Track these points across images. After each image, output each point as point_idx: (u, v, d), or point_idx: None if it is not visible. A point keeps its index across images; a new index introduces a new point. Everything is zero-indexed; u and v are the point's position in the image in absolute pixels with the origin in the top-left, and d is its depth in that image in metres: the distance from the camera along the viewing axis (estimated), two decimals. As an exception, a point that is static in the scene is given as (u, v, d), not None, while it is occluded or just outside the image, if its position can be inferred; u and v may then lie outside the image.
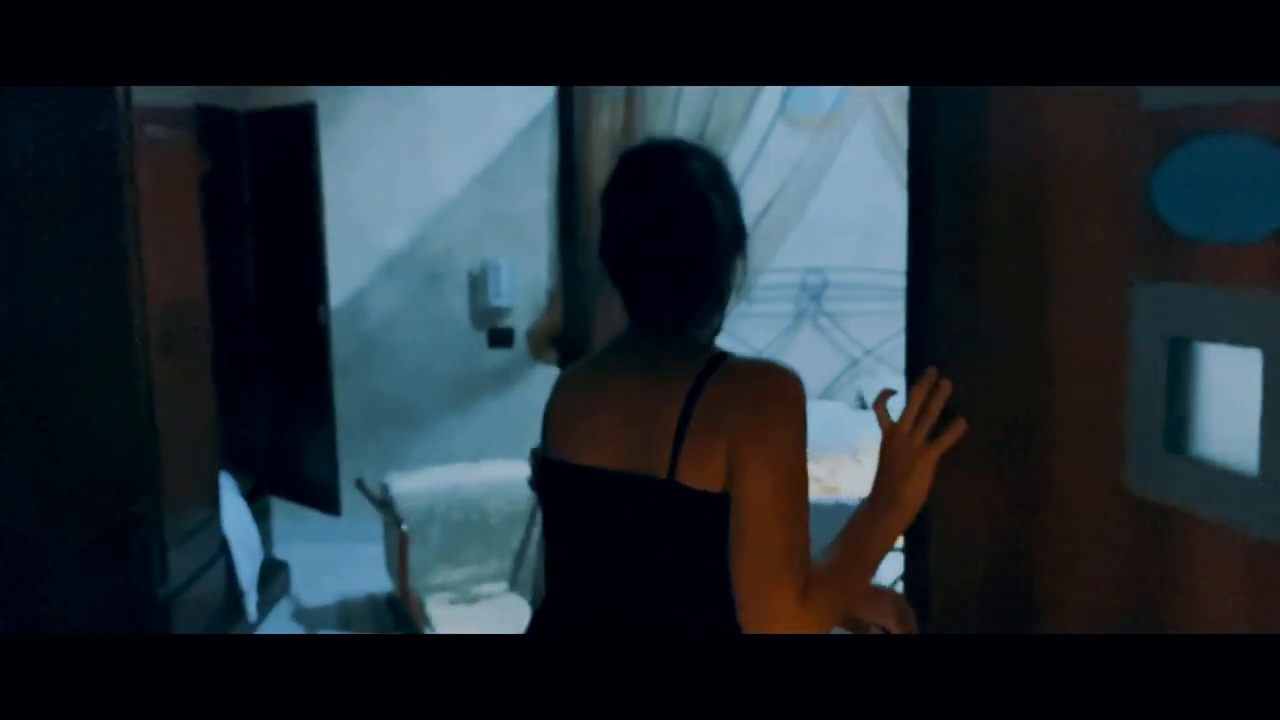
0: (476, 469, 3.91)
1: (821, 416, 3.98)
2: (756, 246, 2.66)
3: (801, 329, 4.67)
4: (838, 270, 4.60)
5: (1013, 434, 1.30)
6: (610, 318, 2.60)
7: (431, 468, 3.94)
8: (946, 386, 1.28)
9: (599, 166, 2.63)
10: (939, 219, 1.37)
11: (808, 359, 4.45)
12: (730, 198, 1.34)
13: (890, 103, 4.38)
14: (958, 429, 1.28)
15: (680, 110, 2.80)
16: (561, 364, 2.60)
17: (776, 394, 1.24)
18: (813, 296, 4.63)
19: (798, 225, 3.76)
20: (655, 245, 1.29)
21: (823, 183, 3.94)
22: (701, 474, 1.23)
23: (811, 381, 4.55)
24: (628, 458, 1.28)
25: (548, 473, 1.40)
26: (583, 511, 1.36)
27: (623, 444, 1.29)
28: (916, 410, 1.29)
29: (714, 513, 1.23)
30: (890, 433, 1.30)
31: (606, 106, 2.68)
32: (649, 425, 1.26)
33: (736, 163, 2.90)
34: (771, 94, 4.29)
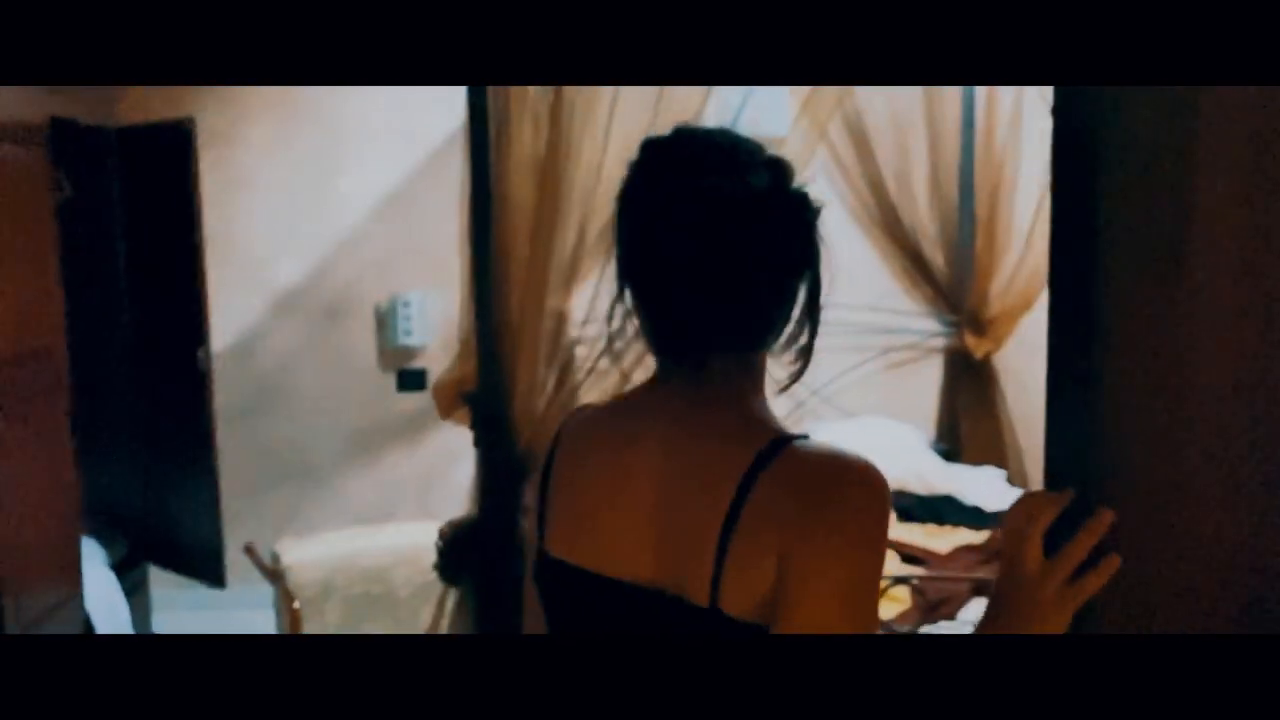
0: (382, 532, 3.46)
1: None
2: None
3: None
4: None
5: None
6: (530, 370, 2.20)
7: (330, 532, 3.49)
8: (1107, 518, 0.93)
9: (520, 188, 2.23)
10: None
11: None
12: (795, 205, 1.03)
13: (839, 132, 4.11)
14: (1109, 567, 0.93)
15: (614, 129, 2.43)
16: (475, 426, 2.18)
17: (849, 499, 0.95)
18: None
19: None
20: (689, 257, 0.99)
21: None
22: (749, 597, 0.95)
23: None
24: (657, 569, 1.00)
25: (550, 575, 1.10)
26: (599, 627, 1.07)
27: (650, 551, 1.01)
28: (1074, 555, 0.94)
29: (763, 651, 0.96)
30: (1031, 571, 0.95)
31: (528, 121, 2.29)
32: (684, 529, 0.98)
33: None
34: (718, 115, 3.96)
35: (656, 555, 1.00)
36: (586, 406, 1.22)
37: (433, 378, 4.14)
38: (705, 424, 1.02)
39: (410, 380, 4.19)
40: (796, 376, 1.06)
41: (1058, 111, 0.95)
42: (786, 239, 1.01)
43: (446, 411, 2.25)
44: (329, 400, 4.16)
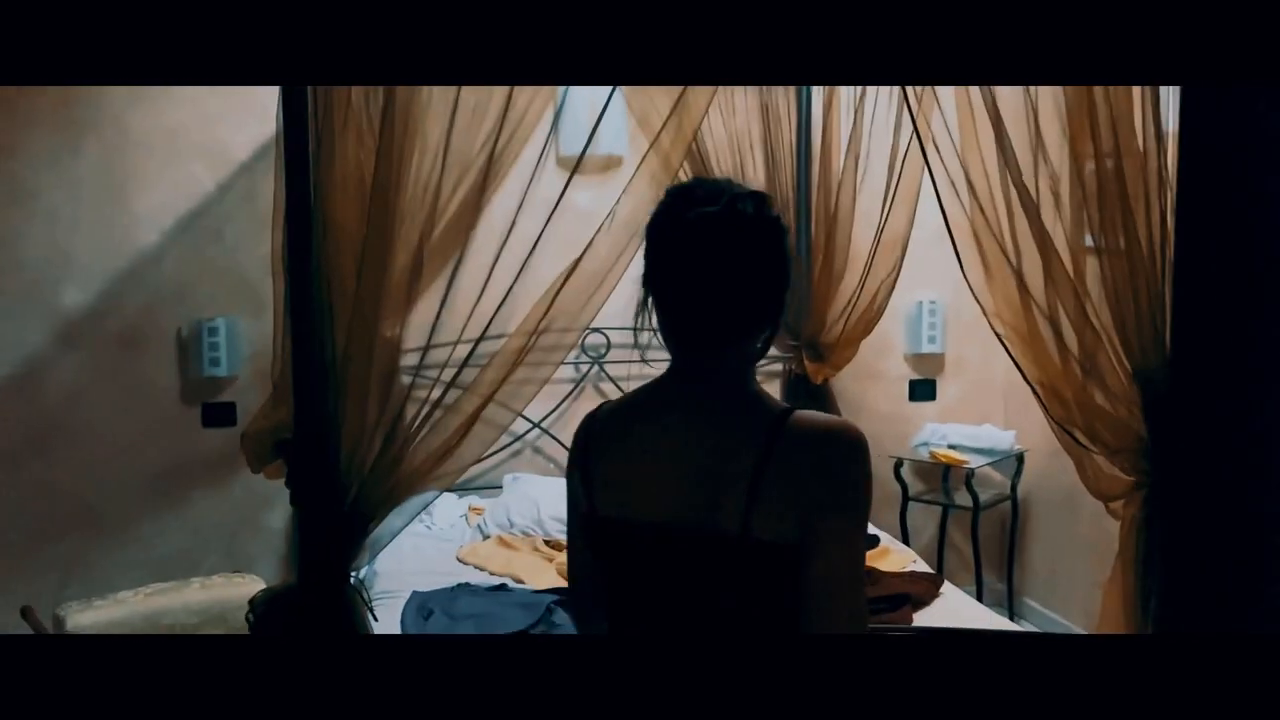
0: (186, 589, 3.10)
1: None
2: (565, 304, 2.14)
3: (583, 395, 4.13)
4: (620, 331, 4.10)
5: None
6: (359, 413, 1.95)
7: (125, 590, 3.10)
8: None
9: (344, 206, 1.99)
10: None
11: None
12: (774, 225, 1.33)
13: (671, 143, 3.99)
14: None
15: (453, 143, 2.22)
16: (293, 483, 1.91)
17: (853, 460, 1.28)
18: (594, 359, 4.11)
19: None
20: (717, 267, 1.28)
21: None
22: (773, 529, 1.25)
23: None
24: (694, 510, 1.28)
25: (604, 530, 1.38)
26: (646, 568, 1.34)
27: (685, 500, 1.29)
28: None
29: (785, 567, 1.26)
30: None
31: (352, 131, 2.05)
32: (716, 482, 1.27)
33: (506, 205, 2.35)
34: (544, 128, 3.79)
35: (691, 502, 1.27)
36: (605, 404, 1.45)
37: (243, 412, 3.79)
38: (724, 400, 1.31)
39: (217, 415, 3.82)
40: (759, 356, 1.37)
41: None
42: (771, 250, 1.31)
43: (258, 464, 1.97)
44: (123, 438, 3.73)
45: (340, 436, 1.93)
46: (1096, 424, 2.18)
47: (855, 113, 3.75)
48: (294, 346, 1.93)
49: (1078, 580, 3.87)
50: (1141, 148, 2.07)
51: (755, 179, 4.05)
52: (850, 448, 1.27)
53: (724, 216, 1.27)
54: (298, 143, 1.89)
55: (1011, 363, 2.28)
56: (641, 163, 2.23)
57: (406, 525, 2.26)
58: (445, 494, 3.47)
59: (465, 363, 2.15)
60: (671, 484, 1.29)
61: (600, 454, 1.38)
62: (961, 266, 2.30)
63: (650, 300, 1.34)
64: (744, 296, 1.29)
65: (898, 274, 3.69)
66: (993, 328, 2.23)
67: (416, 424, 2.02)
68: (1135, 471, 2.17)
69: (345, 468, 1.90)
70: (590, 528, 1.39)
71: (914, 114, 2.20)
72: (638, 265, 1.37)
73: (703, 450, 1.28)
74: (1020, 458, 4.11)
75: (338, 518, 1.85)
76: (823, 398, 4.11)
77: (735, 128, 4.00)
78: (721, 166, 3.99)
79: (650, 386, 1.38)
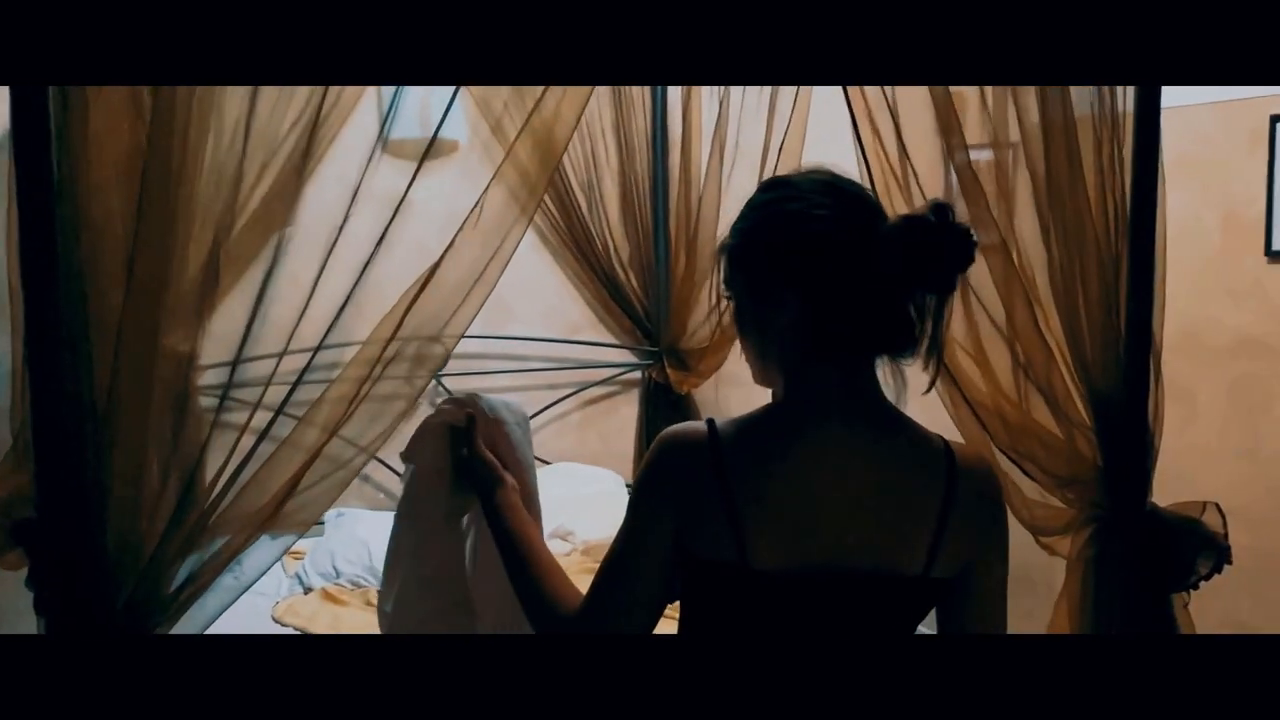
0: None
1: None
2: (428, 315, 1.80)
3: (420, 411, 3.63)
4: (461, 340, 3.63)
5: None
6: (133, 466, 1.44)
7: None
8: None
9: (106, 203, 1.47)
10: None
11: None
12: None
13: (522, 140, 3.55)
14: None
15: (257, 121, 1.77)
16: (35, 581, 1.37)
17: (1002, 499, 1.31)
18: (432, 371, 3.61)
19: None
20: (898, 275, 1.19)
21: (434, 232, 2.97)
22: (950, 567, 1.23)
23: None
24: (874, 554, 1.19)
25: (751, 585, 1.17)
26: (804, 620, 1.20)
27: (866, 539, 1.19)
28: None
29: (937, 602, 1.28)
30: None
31: (120, 116, 1.53)
32: (900, 519, 1.20)
33: (323, 198, 1.94)
34: (369, 111, 3.29)
35: (875, 540, 1.19)
36: (712, 421, 1.23)
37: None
38: (884, 425, 1.23)
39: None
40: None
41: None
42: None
43: (-13, 545, 1.42)
44: None
45: (108, 505, 1.41)
46: (1042, 449, 1.90)
47: (720, 100, 3.39)
48: (34, 383, 1.40)
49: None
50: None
51: (608, 167, 3.66)
52: (999, 489, 1.29)
53: (939, 227, 1.17)
54: (35, 131, 1.37)
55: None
56: (506, 158, 1.84)
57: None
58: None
59: (300, 380, 1.73)
60: (848, 522, 1.18)
61: (753, 488, 1.17)
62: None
63: (790, 298, 1.21)
64: (896, 306, 1.20)
65: (772, 274, 3.37)
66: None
67: (232, 466, 1.53)
68: (1085, 504, 1.89)
69: (117, 552, 1.38)
70: (725, 580, 1.19)
71: (854, 112, 1.87)
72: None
73: (882, 484, 1.20)
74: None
75: (104, 627, 1.33)
76: (685, 409, 3.75)
77: (585, 111, 3.59)
78: (571, 153, 3.58)
79: (788, 405, 1.24)
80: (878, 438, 1.21)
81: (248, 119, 1.77)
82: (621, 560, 1.22)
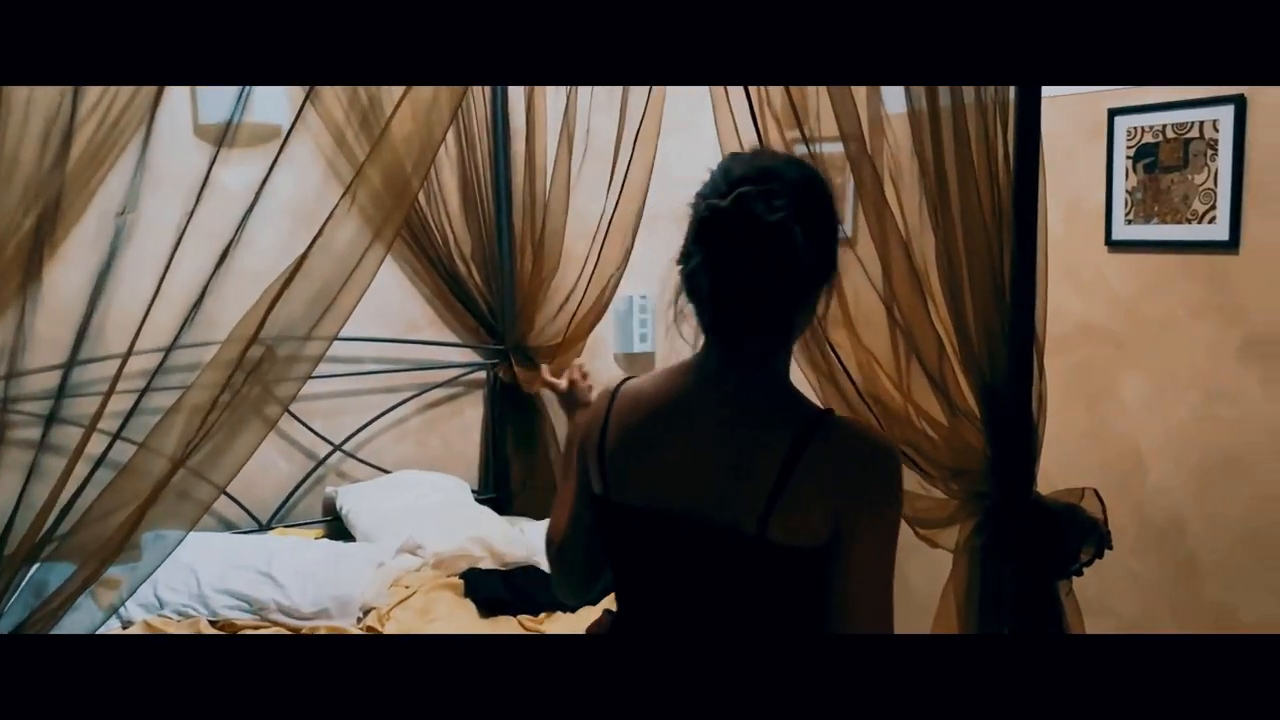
0: None
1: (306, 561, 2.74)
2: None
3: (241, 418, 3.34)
4: (284, 341, 3.35)
5: None
6: None
7: None
8: None
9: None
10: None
11: (255, 466, 3.08)
12: (827, 223, 1.30)
13: (343, 113, 3.31)
14: None
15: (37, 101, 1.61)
16: None
17: (888, 466, 1.28)
18: (250, 373, 3.32)
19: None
20: (754, 277, 1.22)
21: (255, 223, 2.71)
22: (793, 533, 1.24)
23: (266, 497, 3.25)
24: (714, 505, 1.27)
25: (617, 517, 1.37)
26: (657, 556, 1.34)
27: (705, 491, 1.27)
28: None
29: (803, 570, 1.26)
30: None
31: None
32: (740, 476, 1.25)
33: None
34: (179, 97, 3.00)
35: (712, 494, 1.26)
36: (628, 379, 1.41)
37: None
38: (757, 399, 1.29)
39: None
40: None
41: None
42: (783, 253, 1.22)
43: None
44: None
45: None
46: (927, 440, 1.86)
47: (568, 92, 3.25)
48: None
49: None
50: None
51: (446, 155, 3.46)
52: (887, 453, 1.29)
53: (733, 214, 1.21)
54: None
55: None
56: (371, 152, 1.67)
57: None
58: (60, 563, 2.56)
59: (112, 388, 1.63)
60: (694, 474, 1.28)
61: (621, 435, 1.35)
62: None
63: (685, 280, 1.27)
64: (772, 294, 1.23)
65: (624, 268, 3.26)
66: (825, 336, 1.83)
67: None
68: (971, 494, 1.87)
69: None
70: (601, 510, 1.39)
71: (796, 106, 1.80)
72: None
73: (731, 443, 1.27)
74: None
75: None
76: (534, 409, 3.61)
77: (420, 95, 3.38)
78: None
79: (680, 367, 1.35)
80: (738, 402, 1.27)
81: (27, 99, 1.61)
82: (570, 500, 1.46)
